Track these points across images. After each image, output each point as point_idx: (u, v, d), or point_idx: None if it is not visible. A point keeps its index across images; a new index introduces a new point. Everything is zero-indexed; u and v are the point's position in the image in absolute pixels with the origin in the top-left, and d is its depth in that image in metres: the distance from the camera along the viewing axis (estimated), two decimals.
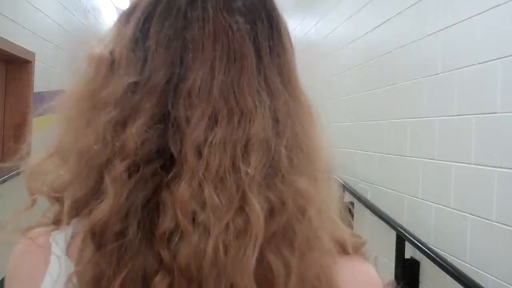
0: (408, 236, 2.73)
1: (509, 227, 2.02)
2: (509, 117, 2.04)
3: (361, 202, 3.57)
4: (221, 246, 0.44)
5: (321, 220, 0.50)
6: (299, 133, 0.51)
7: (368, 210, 3.45)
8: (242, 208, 0.46)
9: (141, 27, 0.52)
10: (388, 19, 3.32)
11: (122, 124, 0.48)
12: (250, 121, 0.48)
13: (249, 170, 0.46)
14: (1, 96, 4.30)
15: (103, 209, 0.46)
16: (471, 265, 2.25)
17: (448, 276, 2.32)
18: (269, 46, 0.53)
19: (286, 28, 0.59)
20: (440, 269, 2.38)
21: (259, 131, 0.48)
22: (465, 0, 2.42)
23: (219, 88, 0.49)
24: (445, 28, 2.57)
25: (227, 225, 0.45)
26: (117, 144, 0.47)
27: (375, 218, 3.35)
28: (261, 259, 0.45)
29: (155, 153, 0.47)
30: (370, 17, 3.69)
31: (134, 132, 0.47)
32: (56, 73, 5.20)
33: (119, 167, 0.46)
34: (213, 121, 0.48)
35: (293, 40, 0.61)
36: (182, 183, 0.46)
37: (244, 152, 0.47)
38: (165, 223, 0.45)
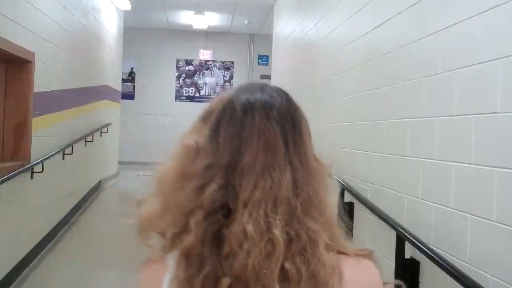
0: (408, 236, 2.73)
1: (509, 227, 2.02)
2: (509, 117, 2.04)
3: (361, 202, 3.57)
4: (256, 263, 0.74)
5: (326, 245, 0.79)
6: (311, 194, 0.81)
7: (368, 210, 3.44)
8: (270, 239, 0.76)
9: (214, 128, 0.84)
10: (388, 19, 3.32)
11: (201, 189, 0.79)
12: (278, 187, 0.78)
13: (276, 217, 0.77)
14: (1, 96, 4.30)
15: (189, 239, 0.77)
16: (471, 265, 2.25)
17: (448, 276, 2.32)
18: (293, 140, 0.83)
19: (305, 126, 0.87)
20: (440, 269, 2.38)
21: (284, 194, 0.78)
22: (465, 0, 2.42)
23: (260, 167, 0.79)
24: (445, 28, 2.57)
25: (260, 250, 0.75)
26: (198, 201, 0.79)
27: (375, 218, 3.34)
28: (282, 268, 0.75)
29: (219, 207, 0.78)
30: (370, 17, 3.69)
31: (208, 195, 0.78)
32: (56, 73, 5.20)
33: (199, 215, 0.78)
34: (255, 187, 0.78)
35: (309, 129, 0.88)
36: (235, 225, 0.77)
37: (273, 206, 0.77)
38: (226, 248, 0.76)
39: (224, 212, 0.78)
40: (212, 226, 0.77)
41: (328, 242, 0.79)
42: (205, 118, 0.86)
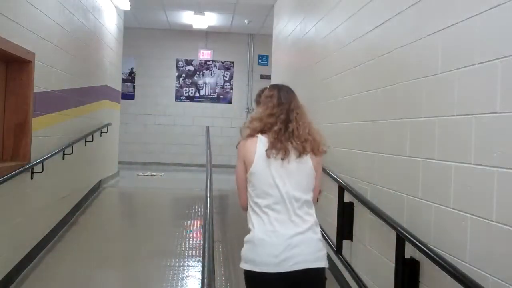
0: (408, 236, 2.73)
1: (509, 227, 2.02)
2: (509, 117, 2.04)
3: (361, 202, 3.57)
4: (302, 131, 2.30)
5: (315, 129, 2.38)
6: (307, 115, 2.40)
7: (368, 210, 3.45)
8: (305, 125, 2.33)
9: (277, 98, 2.36)
10: (388, 19, 3.32)
11: (279, 116, 2.30)
12: (302, 112, 2.37)
13: (305, 120, 2.35)
14: (1, 96, 4.30)
15: (276, 128, 2.28)
16: (471, 265, 2.25)
17: (448, 276, 2.32)
18: (296, 100, 2.41)
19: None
20: (440, 269, 2.38)
21: (304, 113, 2.37)
22: (465, 0, 2.42)
23: (295, 107, 2.36)
24: (445, 28, 2.57)
25: (303, 128, 2.31)
26: (279, 118, 2.31)
27: (375, 218, 3.35)
28: (309, 131, 2.34)
29: (284, 120, 2.30)
30: (370, 17, 3.69)
31: (281, 118, 2.30)
32: (56, 73, 5.20)
33: (279, 122, 2.29)
34: (297, 113, 2.34)
35: None
36: (294, 123, 2.30)
37: (302, 117, 2.34)
38: (290, 129, 2.28)
39: (286, 122, 2.27)
40: (283, 125, 2.25)
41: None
42: (269, 97, 2.36)
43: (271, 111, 2.30)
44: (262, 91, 2.47)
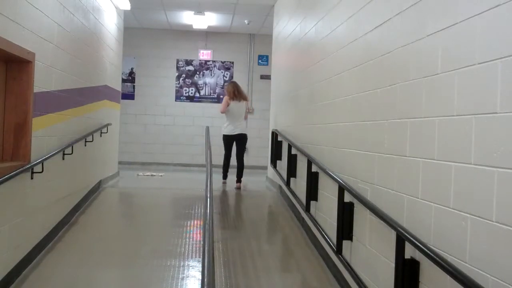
0: (408, 236, 2.73)
1: (509, 227, 2.02)
2: (509, 117, 2.04)
3: (361, 202, 3.57)
4: (243, 95, 8.59)
5: (246, 94, 8.87)
6: (242, 90, 8.63)
7: (368, 210, 3.45)
8: (243, 97, 8.61)
9: (233, 85, 8.58)
10: (388, 19, 3.32)
11: (233, 88, 8.52)
12: (241, 90, 8.57)
13: (241, 91, 8.60)
14: (1, 96, 4.30)
15: (233, 94, 8.57)
16: (471, 265, 2.25)
17: (448, 276, 2.32)
18: (238, 86, 8.67)
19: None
20: (440, 269, 2.38)
21: (244, 96, 8.60)
22: (465, 0, 2.42)
23: (238, 88, 8.58)
24: (445, 28, 2.57)
25: (243, 97, 8.57)
26: (234, 88, 8.53)
27: (375, 218, 3.35)
28: (242, 95, 8.62)
29: (236, 90, 8.46)
30: (370, 17, 3.69)
31: (235, 88, 8.55)
32: (56, 73, 5.20)
33: (235, 91, 8.48)
34: (239, 89, 8.54)
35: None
36: (238, 91, 8.54)
37: (240, 91, 8.57)
38: (238, 93, 8.54)
39: (237, 90, 8.39)
40: (236, 91, 8.37)
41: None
42: (231, 83, 8.62)
43: (232, 88, 8.31)
44: (228, 84, 8.60)
